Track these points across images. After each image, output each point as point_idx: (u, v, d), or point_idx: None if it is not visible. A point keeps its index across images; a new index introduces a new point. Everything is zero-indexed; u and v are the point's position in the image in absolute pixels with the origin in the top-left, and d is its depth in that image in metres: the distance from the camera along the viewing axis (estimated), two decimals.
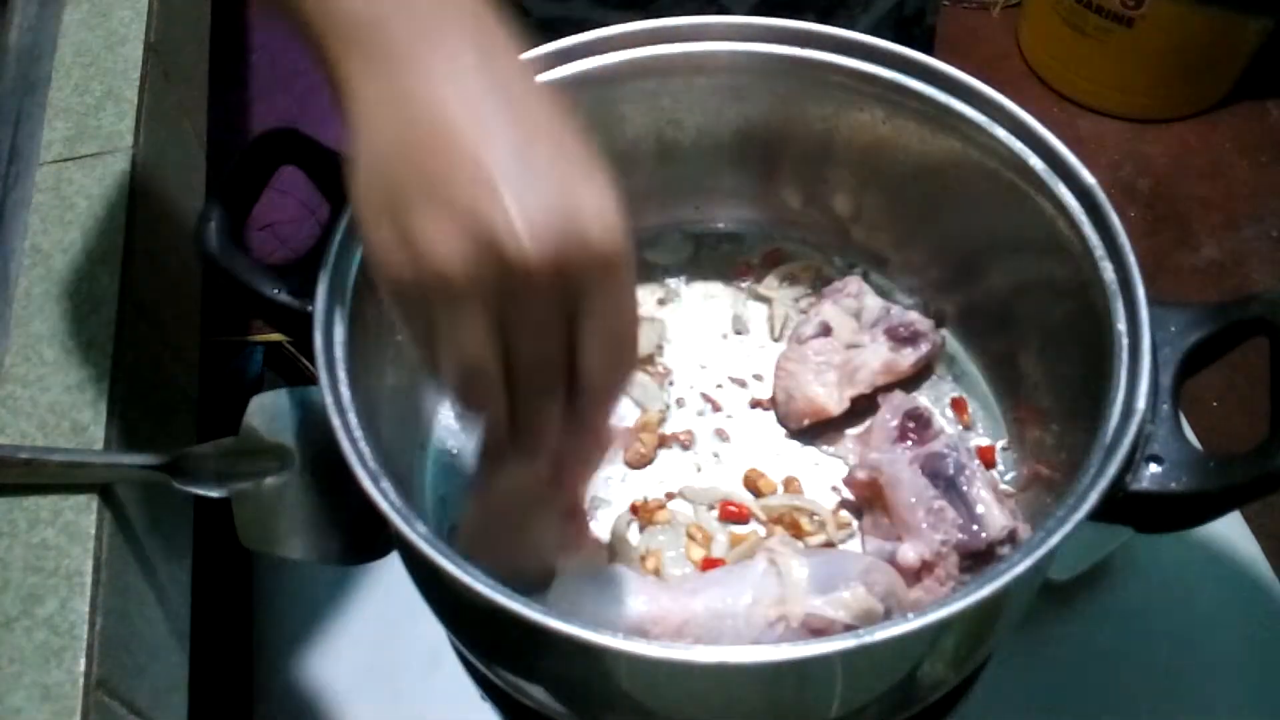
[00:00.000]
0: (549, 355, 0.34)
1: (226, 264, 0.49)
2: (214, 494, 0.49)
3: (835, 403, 0.59)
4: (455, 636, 0.56)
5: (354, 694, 0.60)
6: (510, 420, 0.36)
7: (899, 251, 0.66)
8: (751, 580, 0.49)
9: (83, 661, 0.43)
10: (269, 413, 0.52)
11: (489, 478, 0.43)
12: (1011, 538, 0.52)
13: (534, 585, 0.49)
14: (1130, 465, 0.42)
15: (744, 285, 0.68)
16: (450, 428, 0.61)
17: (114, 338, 0.52)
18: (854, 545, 0.56)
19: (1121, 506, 0.42)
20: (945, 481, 0.53)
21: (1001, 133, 0.54)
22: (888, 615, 0.48)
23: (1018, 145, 0.53)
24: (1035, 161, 0.52)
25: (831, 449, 0.60)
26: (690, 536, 0.57)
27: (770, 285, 0.67)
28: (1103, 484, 0.41)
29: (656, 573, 0.55)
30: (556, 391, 0.36)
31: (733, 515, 0.57)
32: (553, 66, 0.57)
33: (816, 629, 0.47)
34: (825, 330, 0.61)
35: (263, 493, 0.50)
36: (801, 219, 0.68)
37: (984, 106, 0.54)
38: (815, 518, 0.57)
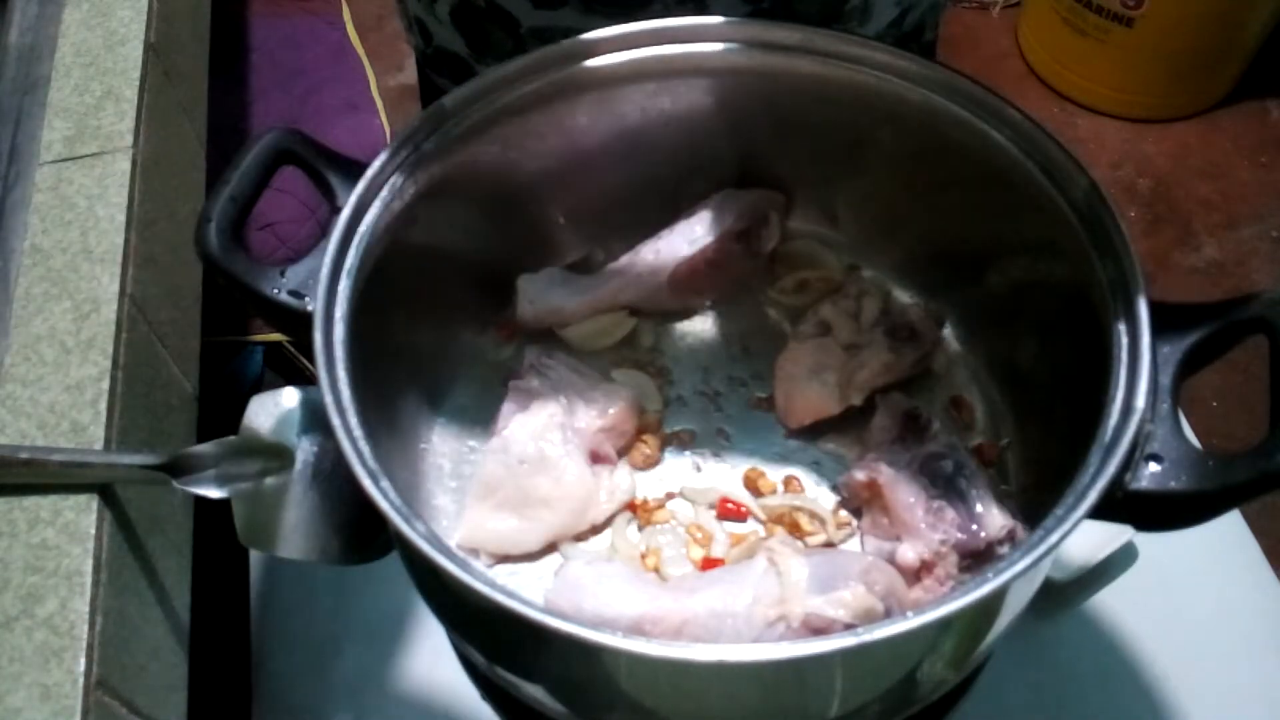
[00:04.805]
0: None
1: (226, 264, 0.49)
2: (214, 494, 0.49)
3: (835, 403, 0.59)
4: (455, 636, 0.56)
5: (353, 694, 0.60)
6: None
7: (898, 251, 0.66)
8: (751, 580, 0.49)
9: (83, 661, 0.43)
10: (269, 413, 0.52)
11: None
12: (1011, 537, 0.52)
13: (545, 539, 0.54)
14: (1129, 464, 0.42)
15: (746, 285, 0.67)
16: (451, 428, 0.62)
17: (114, 338, 0.52)
18: (854, 545, 0.56)
19: (1121, 505, 0.42)
20: (944, 481, 0.53)
21: (1001, 133, 0.54)
22: (888, 614, 0.48)
23: (1017, 145, 0.53)
24: (1035, 162, 0.52)
25: (831, 449, 0.60)
26: (690, 536, 0.57)
27: (781, 288, 0.67)
28: (1102, 483, 0.41)
29: (656, 572, 0.56)
30: None
31: (730, 513, 0.57)
32: (553, 67, 0.57)
33: (816, 628, 0.47)
34: (825, 330, 0.61)
35: (263, 493, 0.50)
36: (801, 219, 0.68)
37: (983, 107, 0.54)
38: (815, 518, 0.57)
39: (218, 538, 0.54)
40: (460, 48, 0.68)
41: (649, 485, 0.59)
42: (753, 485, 0.59)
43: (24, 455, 0.47)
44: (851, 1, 0.62)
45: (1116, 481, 0.42)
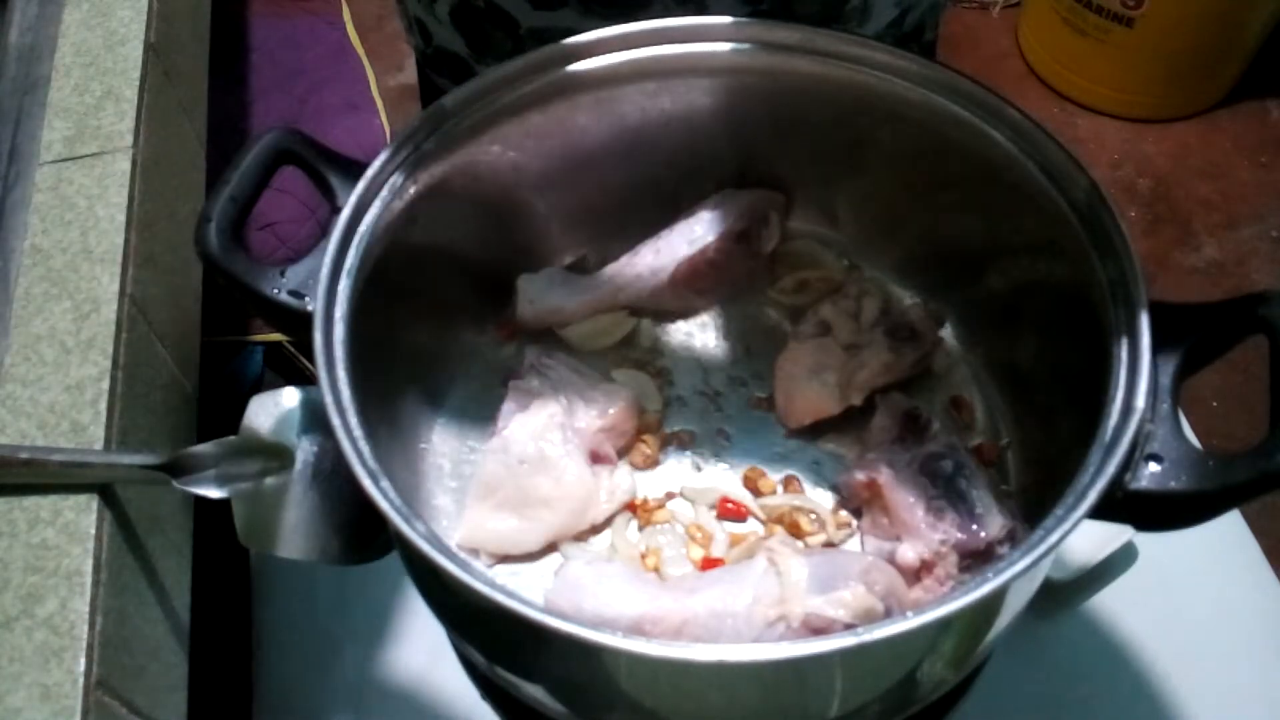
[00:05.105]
0: None
1: (226, 264, 0.49)
2: (214, 494, 0.49)
3: (835, 402, 0.59)
4: (455, 636, 0.56)
5: (353, 694, 0.60)
6: None
7: (898, 251, 0.66)
8: (751, 580, 0.49)
9: (83, 661, 0.43)
10: (269, 413, 0.52)
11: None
12: (1011, 537, 0.52)
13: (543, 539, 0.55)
14: (1129, 464, 0.42)
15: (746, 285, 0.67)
16: (451, 428, 0.62)
17: (114, 338, 0.52)
18: (854, 545, 0.56)
19: (1121, 505, 0.42)
20: (944, 481, 0.53)
21: (1001, 133, 0.54)
22: (888, 614, 0.48)
23: (1018, 145, 0.53)
24: (1035, 162, 0.52)
25: (831, 449, 0.60)
26: (690, 536, 0.57)
27: (782, 288, 0.67)
28: (1102, 483, 0.41)
29: (656, 572, 0.56)
30: None
31: (730, 512, 0.57)
32: (553, 67, 0.57)
33: (816, 628, 0.47)
34: (825, 330, 0.61)
35: (263, 493, 0.50)
36: (801, 219, 0.68)
37: (983, 107, 0.54)
38: (815, 518, 0.57)
39: (218, 538, 0.54)
40: (460, 48, 0.68)
41: (649, 485, 0.59)
42: (753, 485, 0.59)
43: (24, 455, 0.47)
44: (851, 2, 0.62)
45: (1116, 481, 0.42)
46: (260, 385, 0.86)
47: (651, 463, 0.60)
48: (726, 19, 0.57)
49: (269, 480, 0.50)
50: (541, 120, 0.58)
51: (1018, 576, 0.39)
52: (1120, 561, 0.62)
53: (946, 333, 0.63)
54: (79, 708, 0.42)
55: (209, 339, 0.69)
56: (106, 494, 0.48)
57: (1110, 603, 0.62)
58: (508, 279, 0.64)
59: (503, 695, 0.57)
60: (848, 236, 0.67)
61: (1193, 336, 0.46)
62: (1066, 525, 0.40)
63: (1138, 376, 0.44)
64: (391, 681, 0.60)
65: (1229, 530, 0.65)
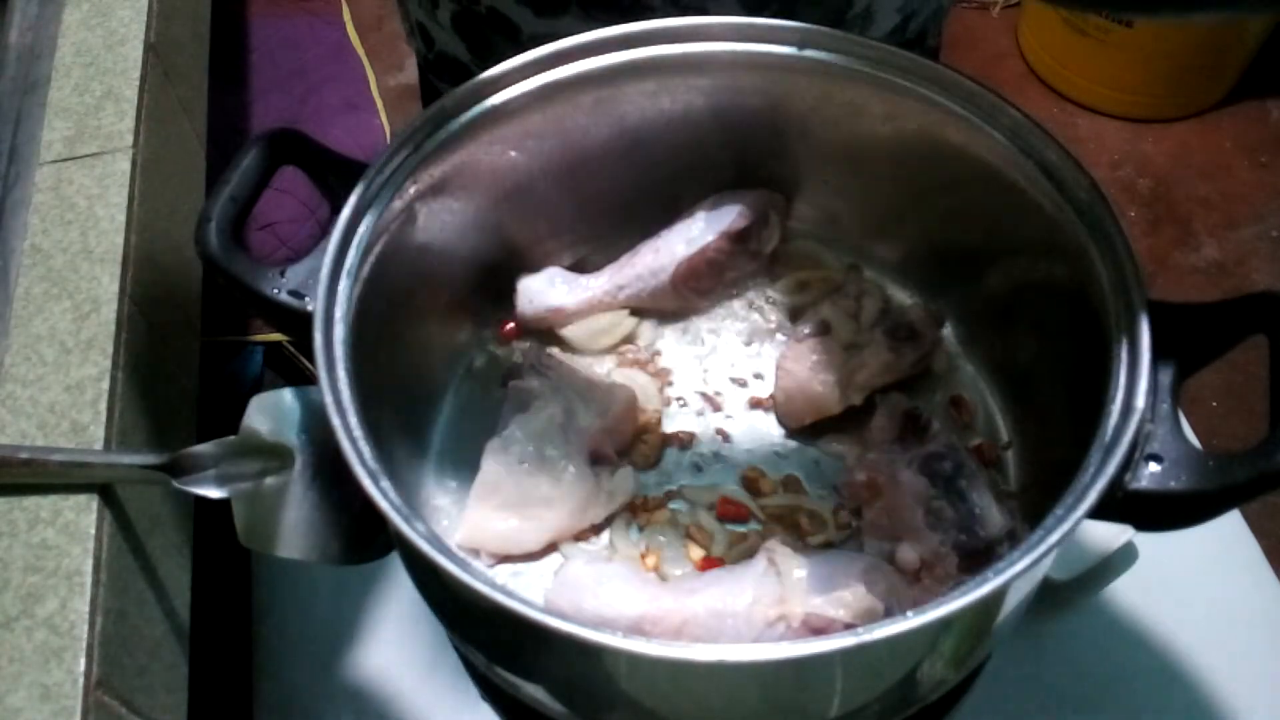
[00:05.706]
0: None
1: (226, 264, 0.49)
2: (214, 494, 0.49)
3: (835, 402, 0.59)
4: (455, 636, 0.56)
5: (353, 694, 0.60)
6: None
7: (898, 251, 0.66)
8: (751, 580, 0.49)
9: (83, 661, 0.43)
10: (269, 413, 0.52)
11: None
12: (1010, 537, 0.52)
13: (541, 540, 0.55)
14: (1129, 464, 0.42)
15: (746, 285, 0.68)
16: (451, 428, 0.62)
17: (114, 338, 0.52)
18: (854, 545, 0.56)
19: (1121, 505, 0.42)
20: (944, 482, 0.53)
21: (1001, 133, 0.54)
22: (888, 614, 0.48)
23: (1017, 145, 0.53)
24: (1035, 162, 0.52)
25: (831, 449, 0.60)
26: (690, 536, 0.57)
27: (782, 288, 0.67)
28: (1102, 483, 0.41)
29: (656, 572, 0.56)
30: None
31: (730, 512, 0.57)
32: (553, 67, 0.57)
33: (816, 628, 0.47)
34: (825, 330, 0.61)
35: (263, 493, 0.50)
36: (801, 219, 0.68)
37: (983, 107, 0.54)
38: (815, 518, 0.57)
39: (218, 538, 0.54)
40: (462, 53, 0.68)
41: (649, 485, 0.59)
42: (753, 485, 0.59)
43: (24, 455, 0.47)
44: (853, 9, 0.62)
45: (1116, 481, 0.42)
46: (260, 385, 0.86)
47: (651, 463, 0.60)
48: (726, 19, 0.57)
49: (269, 480, 0.50)
50: (541, 120, 0.58)
51: (1018, 576, 0.39)
52: (1120, 561, 0.62)
53: (946, 333, 0.63)
54: (79, 708, 0.42)
55: (209, 339, 0.69)
56: (106, 494, 0.48)
57: (1110, 602, 0.62)
58: (508, 279, 0.64)
59: (502, 695, 0.57)
60: (848, 236, 0.67)
61: (1193, 336, 0.46)
62: (1066, 525, 0.40)
63: (1138, 376, 0.44)
64: (392, 681, 0.60)
65: (1229, 530, 0.66)
